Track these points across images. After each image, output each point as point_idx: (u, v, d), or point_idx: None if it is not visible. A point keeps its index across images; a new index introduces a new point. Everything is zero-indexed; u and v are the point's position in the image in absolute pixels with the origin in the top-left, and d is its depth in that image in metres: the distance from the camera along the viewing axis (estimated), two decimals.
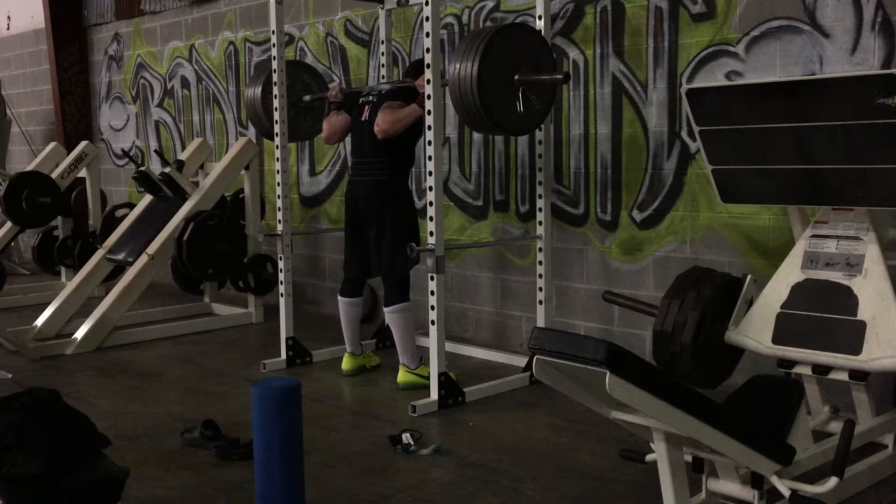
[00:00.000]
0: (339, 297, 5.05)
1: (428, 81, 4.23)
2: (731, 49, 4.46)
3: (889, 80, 3.05)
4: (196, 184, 6.62)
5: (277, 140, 5.15)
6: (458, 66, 4.12)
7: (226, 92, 7.70)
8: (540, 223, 4.81)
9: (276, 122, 5.13)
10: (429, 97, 4.23)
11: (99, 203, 7.79)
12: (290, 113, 5.34)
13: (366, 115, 4.78)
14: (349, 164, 4.95)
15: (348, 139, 5.09)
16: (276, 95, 5.10)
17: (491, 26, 4.41)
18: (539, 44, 4.41)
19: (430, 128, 4.24)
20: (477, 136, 5.69)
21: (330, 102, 5.07)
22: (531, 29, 4.54)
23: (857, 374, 3.24)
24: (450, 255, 5.78)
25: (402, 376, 4.73)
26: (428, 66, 4.22)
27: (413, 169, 5.05)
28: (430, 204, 4.26)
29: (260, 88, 5.48)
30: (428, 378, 4.45)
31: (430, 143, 4.25)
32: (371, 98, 4.82)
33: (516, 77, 4.20)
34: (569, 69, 5.15)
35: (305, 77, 5.70)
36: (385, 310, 4.81)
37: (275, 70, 5.10)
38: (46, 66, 9.71)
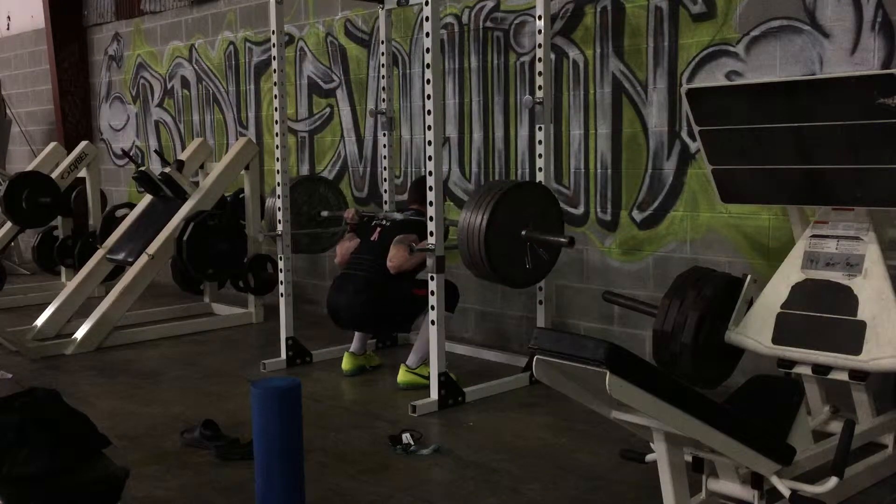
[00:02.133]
0: None
1: (428, 81, 4.23)
2: (731, 49, 4.46)
3: (889, 80, 3.05)
4: (196, 184, 6.62)
5: (277, 140, 5.15)
6: (468, 216, 4.18)
7: (226, 92, 7.70)
8: None
9: (276, 121, 5.13)
10: (429, 97, 4.23)
11: (99, 203, 7.79)
12: (310, 226, 5.85)
13: (375, 236, 4.92)
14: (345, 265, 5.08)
15: None
16: (276, 95, 5.10)
17: (503, 182, 4.55)
18: (549, 202, 4.45)
19: (429, 128, 4.24)
20: (477, 136, 5.69)
21: (346, 223, 5.31)
22: (542, 187, 4.58)
23: (857, 374, 3.24)
24: (450, 256, 5.77)
25: (402, 376, 4.73)
26: (428, 66, 4.23)
27: (410, 169, 5.10)
28: (430, 204, 4.26)
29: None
30: (428, 378, 4.45)
31: (430, 143, 4.25)
32: (385, 222, 4.97)
33: (523, 233, 4.26)
34: (569, 69, 5.15)
35: (322, 189, 5.97)
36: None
37: (275, 70, 5.09)
38: (46, 66, 9.71)
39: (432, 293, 4.29)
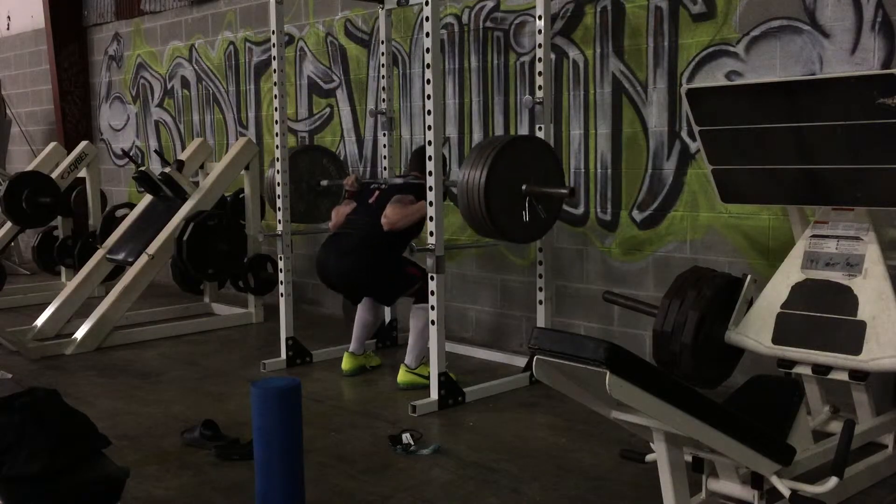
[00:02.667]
0: None
1: (428, 82, 4.23)
2: (731, 49, 4.46)
3: (889, 80, 3.05)
4: (196, 184, 6.62)
5: (277, 140, 5.16)
6: (467, 172, 4.16)
7: (226, 92, 7.70)
8: None
9: (276, 121, 5.13)
10: (429, 97, 4.23)
11: (99, 203, 7.79)
12: (309, 196, 5.74)
13: (373, 199, 4.90)
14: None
15: None
16: (276, 95, 5.10)
17: (502, 137, 4.47)
18: (549, 156, 4.43)
19: (430, 128, 4.24)
20: (477, 136, 5.69)
21: (346, 190, 5.22)
22: (541, 141, 4.55)
23: (857, 374, 3.24)
24: (450, 255, 5.78)
25: (402, 376, 4.73)
26: (428, 66, 4.22)
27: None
28: (430, 204, 4.26)
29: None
30: (428, 378, 4.45)
31: (430, 143, 4.25)
32: (384, 186, 4.95)
33: (523, 187, 4.24)
34: (569, 69, 5.15)
35: (325, 161, 5.90)
36: (413, 305, 4.85)
37: (275, 70, 5.10)
38: (46, 66, 9.71)
39: (432, 293, 4.29)
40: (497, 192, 4.12)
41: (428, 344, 4.58)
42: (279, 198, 5.17)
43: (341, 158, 6.35)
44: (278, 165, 5.17)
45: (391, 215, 4.66)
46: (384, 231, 4.70)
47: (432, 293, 4.29)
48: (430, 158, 4.25)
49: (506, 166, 4.14)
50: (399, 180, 5.02)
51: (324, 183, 5.79)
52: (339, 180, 5.72)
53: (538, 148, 4.40)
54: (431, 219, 4.26)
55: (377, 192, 4.93)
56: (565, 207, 5.22)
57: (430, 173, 4.25)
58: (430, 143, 4.24)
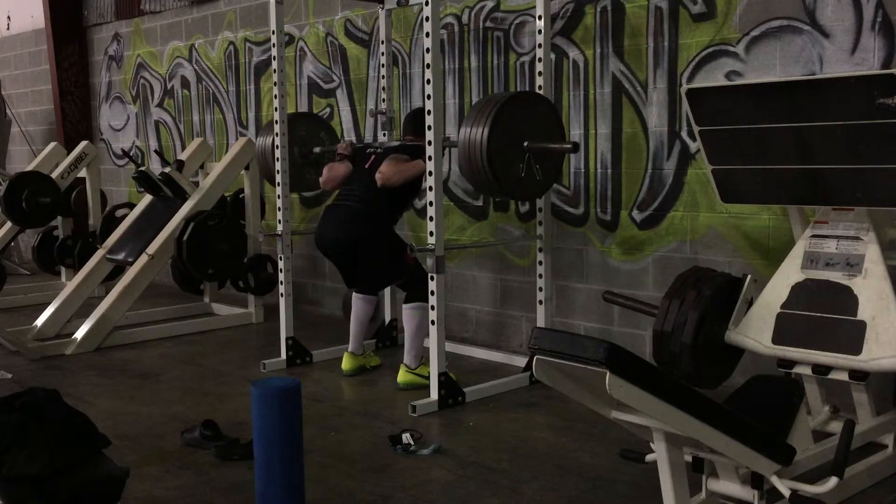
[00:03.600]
0: (353, 294, 5.09)
1: (428, 81, 4.23)
2: (731, 49, 4.46)
3: (889, 80, 3.05)
4: (196, 184, 6.62)
5: (277, 140, 5.16)
6: (469, 129, 4.16)
7: (226, 92, 7.70)
8: (540, 223, 4.81)
9: (276, 121, 5.13)
10: (429, 97, 4.23)
11: (99, 203, 7.79)
12: (297, 163, 5.54)
13: (369, 163, 4.88)
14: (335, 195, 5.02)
15: None
16: (276, 95, 5.10)
17: (504, 94, 4.44)
18: (550, 112, 4.44)
19: (429, 128, 4.24)
20: None
21: (338, 154, 5.15)
22: (542, 97, 4.56)
23: (857, 374, 3.24)
24: (450, 255, 5.78)
25: (402, 376, 4.73)
26: (428, 66, 4.22)
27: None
28: (430, 204, 4.26)
29: (270, 139, 5.48)
30: (428, 378, 4.45)
31: (429, 143, 4.25)
32: (378, 150, 4.93)
33: (525, 143, 4.24)
34: (569, 69, 5.15)
35: (322, 134, 5.80)
36: (403, 305, 4.85)
37: (275, 70, 5.10)
38: (46, 66, 9.71)
39: (432, 293, 4.29)
40: (499, 148, 4.12)
41: (424, 343, 4.58)
42: (279, 198, 5.17)
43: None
44: (278, 165, 5.17)
45: (385, 170, 4.64)
46: (380, 197, 4.68)
47: (432, 293, 4.29)
48: (429, 158, 4.25)
49: (507, 122, 4.14)
50: (394, 143, 5.00)
51: (316, 150, 5.63)
52: (331, 147, 5.58)
53: (539, 105, 4.40)
54: (431, 219, 4.26)
55: (373, 157, 4.89)
56: (565, 207, 5.23)
57: (430, 173, 4.25)
58: (429, 143, 4.24)
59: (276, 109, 5.13)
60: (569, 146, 4.28)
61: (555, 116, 4.46)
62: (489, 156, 4.10)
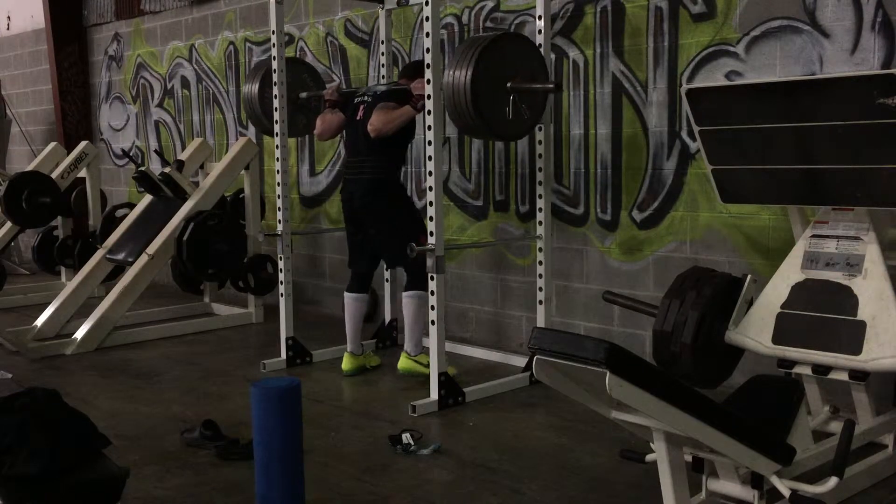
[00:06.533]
0: (346, 294, 5.08)
1: (428, 81, 4.23)
2: (731, 49, 4.46)
3: (889, 80, 3.05)
4: (196, 184, 6.62)
5: (277, 140, 5.16)
6: (452, 72, 4.21)
7: (226, 92, 7.70)
8: (540, 223, 4.81)
9: (276, 121, 5.13)
10: (429, 97, 4.23)
11: (99, 203, 7.79)
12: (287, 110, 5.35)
13: (360, 114, 4.84)
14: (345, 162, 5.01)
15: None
16: (276, 95, 5.10)
17: (487, 35, 4.45)
18: (533, 54, 4.46)
19: (429, 128, 4.24)
20: None
21: (325, 100, 5.15)
22: (526, 39, 4.57)
23: (857, 374, 3.24)
24: (450, 255, 5.78)
25: (403, 362, 4.76)
26: (428, 66, 4.22)
27: (409, 168, 5.09)
28: (430, 204, 4.26)
29: (257, 86, 5.52)
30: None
31: (430, 143, 4.25)
32: (366, 98, 4.89)
33: (509, 84, 4.28)
34: (569, 69, 5.15)
35: (305, 76, 5.74)
36: (403, 294, 4.86)
37: (275, 70, 5.10)
38: (46, 66, 9.71)
39: (432, 293, 4.29)
40: (483, 89, 4.17)
41: (424, 342, 4.58)
42: (279, 198, 5.17)
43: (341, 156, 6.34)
44: (278, 165, 5.17)
45: (376, 122, 4.64)
46: (380, 146, 4.71)
47: (432, 293, 4.29)
48: (430, 158, 4.25)
49: (491, 63, 4.19)
50: (382, 87, 5.00)
51: (303, 95, 5.59)
52: (318, 92, 5.56)
53: (522, 46, 4.44)
54: (431, 219, 4.26)
55: (362, 107, 4.87)
56: (565, 207, 5.23)
57: (431, 173, 4.25)
58: (429, 143, 4.24)
59: (275, 109, 5.12)
60: (550, 86, 4.33)
61: (537, 56, 4.48)
62: (474, 98, 4.15)
